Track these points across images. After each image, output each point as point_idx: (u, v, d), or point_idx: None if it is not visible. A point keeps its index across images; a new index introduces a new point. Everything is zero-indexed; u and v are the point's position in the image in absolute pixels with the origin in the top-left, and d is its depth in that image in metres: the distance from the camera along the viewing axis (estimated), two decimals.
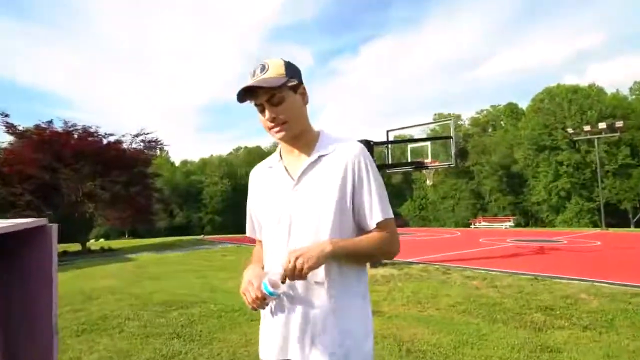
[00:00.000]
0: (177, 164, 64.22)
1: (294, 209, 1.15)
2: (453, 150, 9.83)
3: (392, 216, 1.17)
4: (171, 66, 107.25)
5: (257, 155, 64.24)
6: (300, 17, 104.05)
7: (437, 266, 8.28)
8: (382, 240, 1.14)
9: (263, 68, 1.13)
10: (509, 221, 32.70)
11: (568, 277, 6.72)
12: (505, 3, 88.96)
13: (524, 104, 52.04)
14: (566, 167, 40.44)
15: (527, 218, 45.57)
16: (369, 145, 9.95)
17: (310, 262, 1.02)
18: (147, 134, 18.10)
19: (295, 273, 1.02)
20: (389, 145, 11.27)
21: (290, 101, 1.14)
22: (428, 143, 10.27)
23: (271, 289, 1.04)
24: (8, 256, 1.38)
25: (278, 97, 1.12)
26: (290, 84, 1.13)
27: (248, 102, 1.16)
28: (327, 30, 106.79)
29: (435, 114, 57.40)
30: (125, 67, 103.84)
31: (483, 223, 34.00)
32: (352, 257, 1.11)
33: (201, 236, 24.04)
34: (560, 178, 40.75)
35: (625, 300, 5.06)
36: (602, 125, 26.25)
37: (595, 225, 32.80)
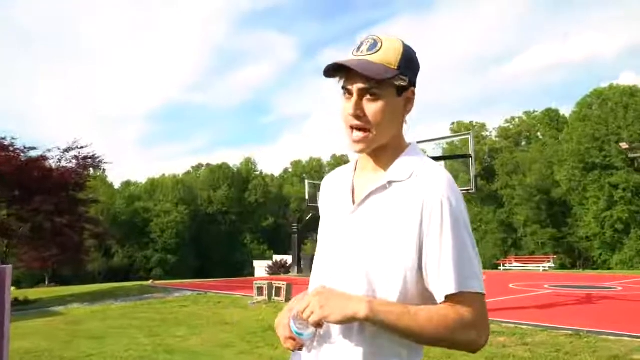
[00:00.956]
0: (116, 185, 63.88)
1: (344, 241, 1.16)
2: (472, 173, 10.23)
3: (478, 290, 1.06)
4: (111, 61, 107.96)
5: (223, 175, 64.47)
6: None
7: None
8: (451, 323, 1.03)
9: (374, 45, 1.12)
10: (549, 261, 33.16)
11: (618, 332, 7.01)
12: None
13: (567, 111, 53.46)
14: (623, 192, 40.88)
15: (573, 258, 46.05)
16: None
17: (331, 315, 1.03)
18: (82, 147, 18.27)
19: (308, 316, 1.05)
20: None
21: (388, 104, 1.11)
22: (441, 163, 10.64)
23: (297, 329, 1.07)
24: None
25: (375, 92, 1.10)
26: (397, 82, 1.10)
27: (337, 80, 1.15)
28: (316, 14, 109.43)
29: (453, 123, 58.38)
30: (51, 64, 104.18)
31: (515, 264, 34.54)
32: (397, 333, 1.04)
33: (149, 282, 23.92)
34: (616, 206, 41.18)
35: None
36: None
37: None
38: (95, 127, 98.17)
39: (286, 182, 71.64)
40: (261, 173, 71.11)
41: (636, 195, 40.73)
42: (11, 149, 16.81)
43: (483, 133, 57.40)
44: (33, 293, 20.05)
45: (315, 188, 30.36)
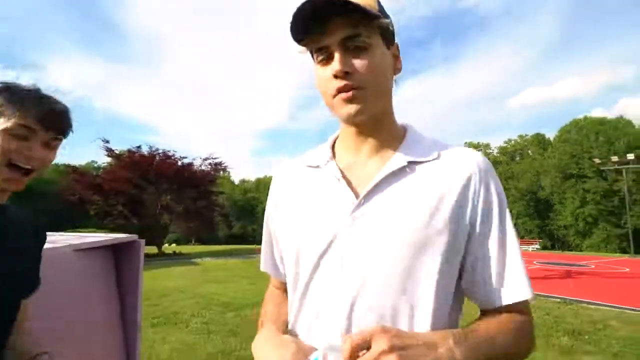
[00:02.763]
0: (236, 182, 66.74)
1: (351, 249, 0.59)
2: None
3: (532, 295, 0.59)
4: (234, 95, 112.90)
5: None
6: None
7: None
8: (520, 338, 0.59)
9: None
10: (536, 244, 30.56)
11: (596, 302, 6.13)
12: (537, 39, 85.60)
13: (551, 135, 49.42)
14: (593, 195, 37.51)
15: (553, 241, 42.37)
16: None
17: None
18: (214, 158, 19.09)
19: None
20: None
21: (380, 55, 0.61)
22: None
23: None
24: (108, 262, 1.53)
25: (364, 39, 0.59)
26: (383, 22, 0.60)
27: (308, 48, 0.62)
28: None
29: (465, 143, 55.75)
30: (195, 98, 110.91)
31: None
32: None
33: (254, 246, 24.52)
34: (587, 205, 37.82)
35: None
36: (630, 156, 24.34)
37: (624, 252, 29.77)
38: (224, 142, 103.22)
39: None
40: None
41: (603, 197, 37.20)
42: (172, 158, 17.88)
43: (488, 150, 54.48)
44: (185, 249, 21.18)
45: None
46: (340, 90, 0.59)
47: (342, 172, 0.64)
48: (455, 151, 0.63)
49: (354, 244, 0.59)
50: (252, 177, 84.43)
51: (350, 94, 0.59)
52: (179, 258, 14.68)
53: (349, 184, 0.63)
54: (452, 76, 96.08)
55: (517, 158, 52.46)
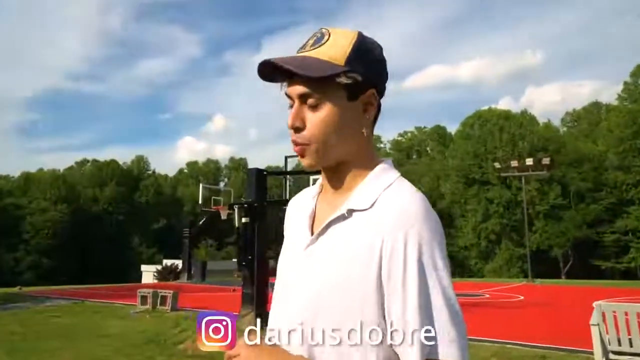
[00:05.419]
0: None
1: (296, 279, 0.94)
2: None
3: (456, 355, 0.78)
4: None
5: (111, 173, 60.91)
6: None
7: None
8: None
9: (320, 39, 0.91)
10: None
11: (480, 338, 7.77)
12: (438, 5, 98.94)
13: (453, 128, 58.04)
14: (496, 206, 45.67)
15: (454, 266, 49.86)
16: (261, 175, 10.40)
17: None
18: None
19: None
20: (288, 176, 11.75)
21: (334, 112, 0.89)
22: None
23: None
24: None
25: (316, 98, 0.88)
26: (343, 79, 0.88)
27: (279, 84, 0.94)
28: (223, 13, 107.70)
29: None
30: None
31: None
32: None
33: (17, 288, 21.89)
34: (490, 219, 45.85)
35: None
36: (529, 161, 30.64)
37: (526, 275, 37.31)
38: None
39: (180, 184, 69.39)
40: (154, 172, 68.30)
41: (507, 209, 45.60)
42: None
43: (378, 145, 60.27)
44: None
45: (211, 192, 29.81)
46: (293, 142, 0.92)
47: (315, 210, 1.00)
48: (391, 198, 0.89)
49: (300, 277, 0.93)
50: (13, 171, 74.48)
51: (298, 148, 0.92)
52: None
53: (313, 222, 0.99)
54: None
55: (414, 156, 60.01)
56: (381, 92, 0.96)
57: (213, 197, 25.73)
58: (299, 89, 0.89)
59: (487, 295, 16.59)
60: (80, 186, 60.38)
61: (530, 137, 45.99)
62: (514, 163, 31.35)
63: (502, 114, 49.80)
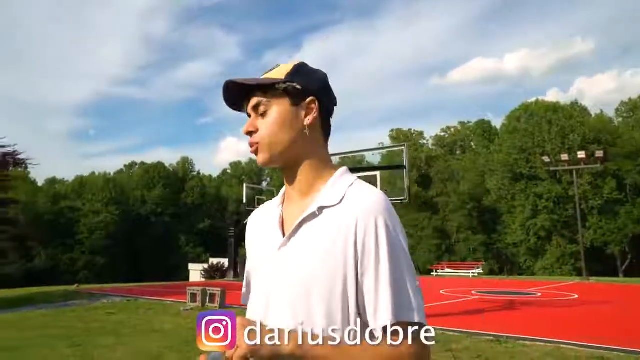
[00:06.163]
0: (40, 183, 60.57)
1: (275, 278, 1.07)
2: (406, 184, 10.63)
3: (416, 320, 0.96)
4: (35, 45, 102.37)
5: (157, 175, 62.76)
6: None
7: None
8: (385, 356, 0.93)
9: (272, 69, 1.14)
10: (478, 267, 34.80)
11: (533, 337, 7.60)
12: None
13: (498, 122, 56.46)
14: (546, 202, 44.03)
15: (502, 263, 48.62)
16: None
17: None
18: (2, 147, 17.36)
19: None
20: None
21: (277, 113, 1.09)
22: (377, 173, 10.98)
23: None
24: None
25: (265, 104, 1.09)
26: (282, 85, 1.08)
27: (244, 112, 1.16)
28: (263, 15, 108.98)
29: (392, 130, 60.11)
30: None
31: (447, 270, 36.02)
32: None
33: (75, 286, 22.90)
34: (540, 214, 44.24)
35: None
36: (581, 154, 29.45)
37: (580, 273, 35.94)
38: (12, 119, 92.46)
39: (224, 184, 70.60)
40: (198, 173, 69.79)
41: (557, 205, 43.86)
42: None
43: (421, 141, 59.48)
44: None
45: (255, 191, 30.26)
46: (249, 145, 1.13)
47: (282, 216, 1.15)
48: (358, 193, 1.06)
49: (275, 277, 1.07)
50: (68, 175, 77.86)
51: (252, 148, 1.12)
52: None
53: (283, 225, 1.13)
54: (371, 36, 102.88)
55: (458, 152, 58.80)
56: (327, 108, 1.15)
57: (257, 197, 26.04)
58: (252, 101, 1.10)
59: (539, 294, 16.09)
60: (129, 188, 62.48)
61: (581, 130, 44.09)
62: (564, 157, 30.27)
63: (550, 106, 47.98)
